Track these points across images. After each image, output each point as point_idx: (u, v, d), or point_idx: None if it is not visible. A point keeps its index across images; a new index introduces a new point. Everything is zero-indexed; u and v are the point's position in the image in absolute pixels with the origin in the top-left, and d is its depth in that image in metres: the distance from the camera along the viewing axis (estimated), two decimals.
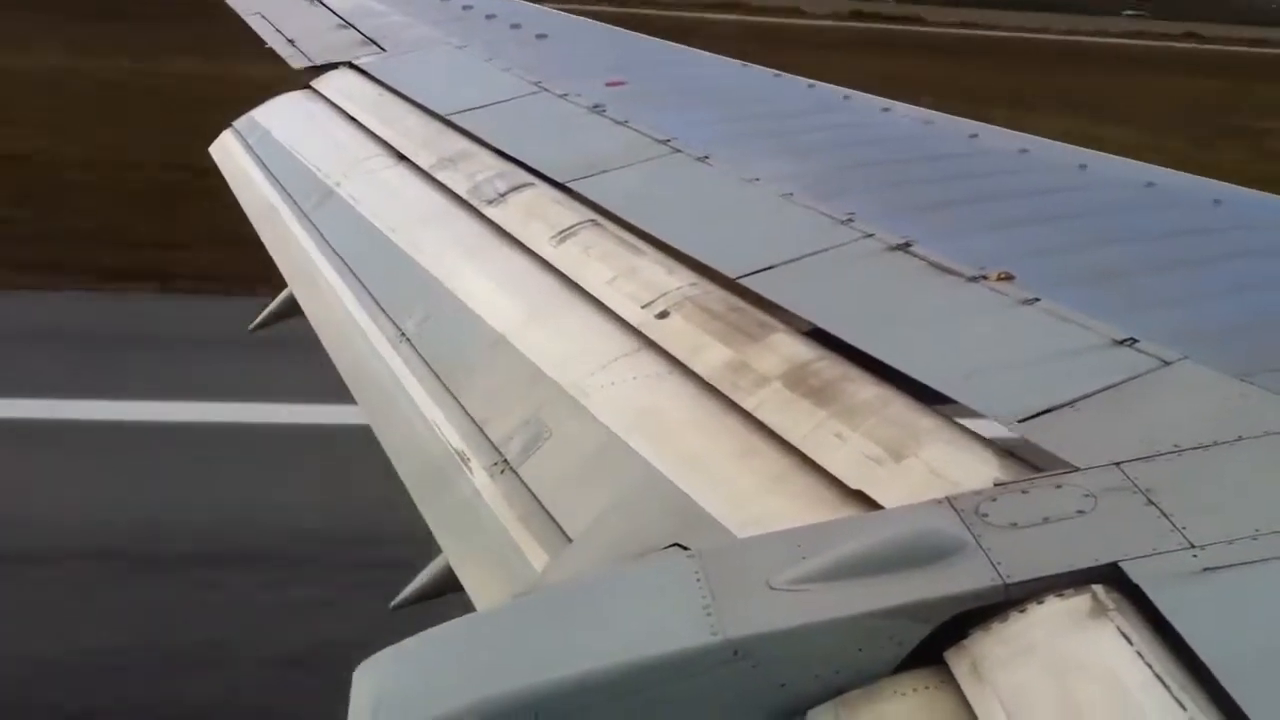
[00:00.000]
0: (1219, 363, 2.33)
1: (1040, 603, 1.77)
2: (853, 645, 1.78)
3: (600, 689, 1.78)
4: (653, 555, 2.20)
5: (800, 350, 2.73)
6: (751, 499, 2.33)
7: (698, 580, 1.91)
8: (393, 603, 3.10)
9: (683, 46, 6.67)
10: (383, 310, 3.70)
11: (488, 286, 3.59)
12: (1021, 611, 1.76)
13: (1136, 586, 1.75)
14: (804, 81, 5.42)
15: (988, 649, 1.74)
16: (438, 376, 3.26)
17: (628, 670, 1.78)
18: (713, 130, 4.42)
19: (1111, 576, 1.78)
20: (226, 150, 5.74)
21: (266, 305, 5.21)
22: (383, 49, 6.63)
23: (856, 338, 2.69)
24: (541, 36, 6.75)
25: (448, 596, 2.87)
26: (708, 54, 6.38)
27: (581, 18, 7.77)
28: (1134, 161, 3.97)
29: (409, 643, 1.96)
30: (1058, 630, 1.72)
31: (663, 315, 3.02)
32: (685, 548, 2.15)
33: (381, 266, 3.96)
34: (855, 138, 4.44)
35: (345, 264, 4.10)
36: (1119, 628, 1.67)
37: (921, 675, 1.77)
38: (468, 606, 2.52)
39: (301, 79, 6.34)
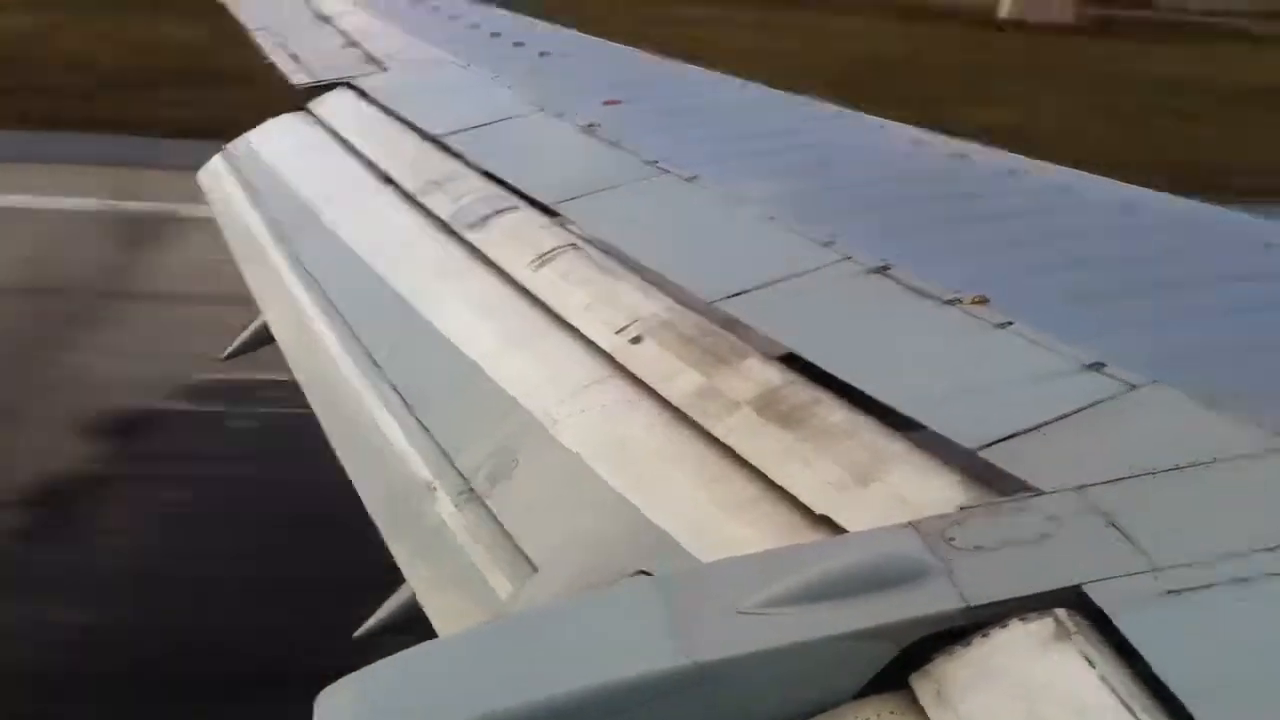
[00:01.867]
0: (1188, 386, 2.32)
1: (1004, 626, 1.76)
2: (819, 669, 1.77)
3: (566, 714, 1.76)
4: (617, 582, 2.19)
5: (771, 375, 2.73)
6: (719, 525, 2.32)
7: (662, 605, 1.90)
8: (356, 632, 3.10)
9: (684, 64, 6.67)
10: (355, 337, 3.70)
11: (461, 313, 3.58)
12: (985, 635, 1.76)
13: (1099, 610, 1.74)
14: (800, 99, 5.42)
15: (952, 673, 1.73)
16: (407, 404, 3.25)
17: (594, 695, 1.77)
18: (703, 150, 4.42)
19: (1074, 600, 1.77)
20: (214, 175, 5.73)
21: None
22: (385, 68, 6.66)
23: (828, 362, 2.69)
24: (544, 54, 6.77)
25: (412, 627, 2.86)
26: (707, 72, 6.39)
27: (584, 35, 7.78)
28: (1115, 183, 3.95)
29: (374, 669, 1.94)
30: (1021, 654, 1.71)
31: (636, 340, 3.02)
32: (649, 574, 2.14)
33: (356, 292, 3.96)
34: (845, 157, 4.43)
35: (321, 290, 4.09)
36: (1082, 651, 1.66)
37: (887, 699, 1.76)
38: (432, 636, 2.51)
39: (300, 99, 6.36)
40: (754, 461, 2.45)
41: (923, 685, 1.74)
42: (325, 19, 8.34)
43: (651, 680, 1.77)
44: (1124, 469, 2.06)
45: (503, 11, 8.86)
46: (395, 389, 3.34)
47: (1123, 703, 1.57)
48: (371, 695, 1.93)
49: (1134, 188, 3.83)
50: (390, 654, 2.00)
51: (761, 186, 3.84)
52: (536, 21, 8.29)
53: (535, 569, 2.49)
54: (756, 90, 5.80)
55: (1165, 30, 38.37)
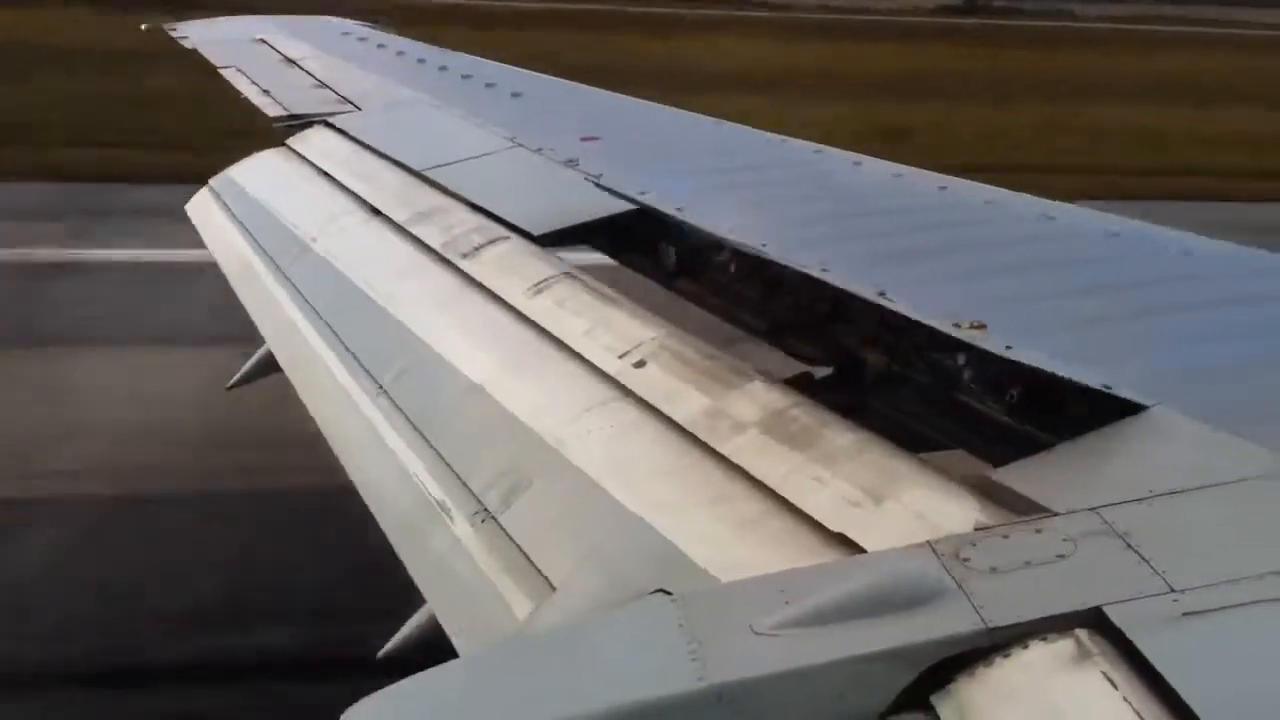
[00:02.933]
0: (1191, 409, 2.35)
1: (1025, 647, 1.77)
2: (838, 690, 1.78)
3: None
4: (636, 601, 2.19)
5: (776, 397, 2.75)
6: (733, 544, 2.33)
7: (681, 626, 1.91)
8: (380, 653, 3.08)
9: (656, 104, 6.74)
10: (360, 364, 3.70)
11: (464, 338, 3.59)
12: (1006, 656, 1.77)
13: (1119, 631, 1.75)
14: (776, 137, 5.48)
15: (974, 694, 1.74)
16: (416, 428, 3.25)
17: (613, 716, 1.78)
18: (686, 184, 4.46)
19: (1094, 621, 1.79)
20: (203, 208, 5.75)
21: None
22: (359, 108, 6.69)
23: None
24: (516, 95, 6.82)
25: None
26: (680, 111, 6.45)
27: (556, 78, 7.85)
28: (1099, 213, 4.03)
29: (396, 687, 1.95)
30: (1043, 675, 1.73)
31: (640, 364, 3.04)
32: (669, 593, 2.14)
33: (358, 321, 3.96)
34: (827, 191, 4.49)
35: (322, 319, 4.10)
36: (1104, 672, 1.68)
37: None
38: (453, 656, 2.51)
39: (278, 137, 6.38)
40: (767, 481, 2.46)
41: (945, 706, 1.75)
42: (291, 61, 8.38)
43: (670, 701, 1.78)
44: (1137, 490, 2.08)
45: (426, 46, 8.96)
46: (403, 413, 3.33)
47: None
48: (397, 712, 1.94)
49: (1117, 217, 3.91)
50: (412, 673, 2.00)
51: (748, 218, 3.87)
52: (505, 65, 8.35)
53: (553, 587, 2.49)
54: (731, 127, 5.86)
55: None
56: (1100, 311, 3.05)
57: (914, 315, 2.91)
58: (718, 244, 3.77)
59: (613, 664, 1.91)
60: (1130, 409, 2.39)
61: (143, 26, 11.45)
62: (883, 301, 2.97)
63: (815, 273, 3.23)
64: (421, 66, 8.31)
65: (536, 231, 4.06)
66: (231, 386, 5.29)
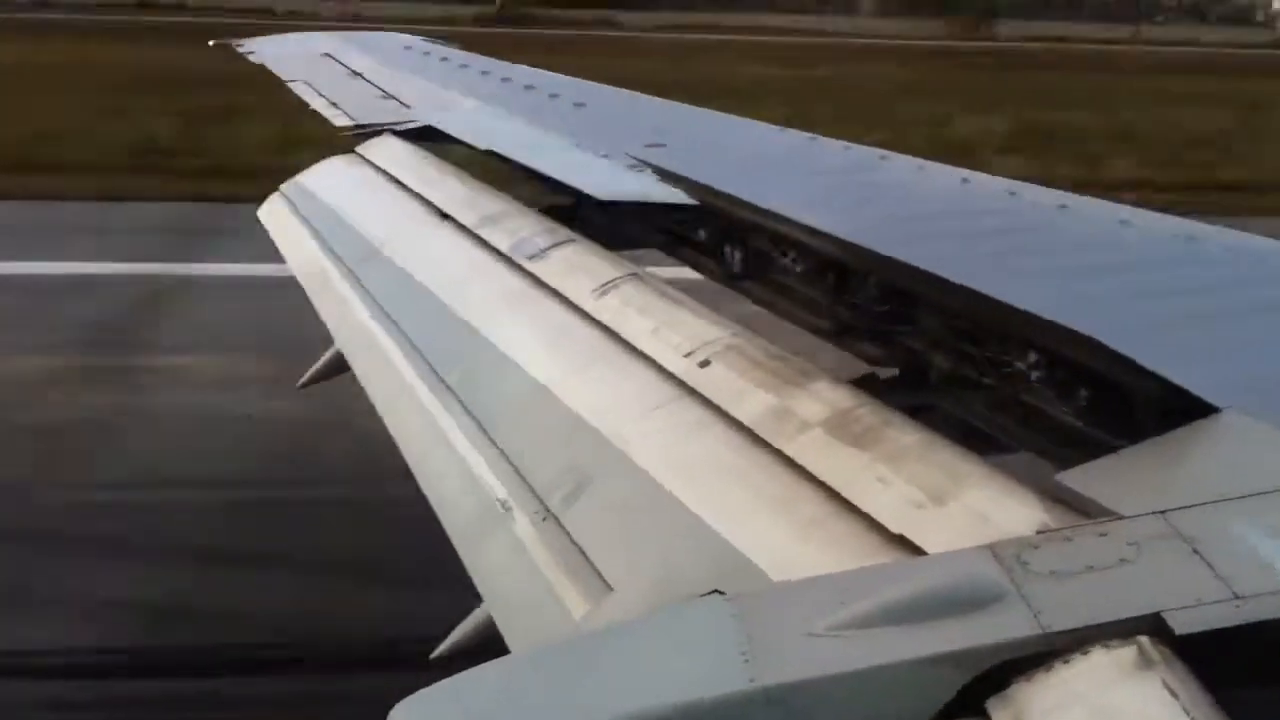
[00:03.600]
0: (1265, 414, 2.30)
1: (1085, 653, 1.74)
2: (891, 693, 1.76)
3: None
4: (689, 601, 2.18)
5: (842, 397, 2.73)
6: (792, 544, 2.32)
7: (735, 626, 1.89)
8: (433, 654, 3.10)
9: (720, 113, 6.75)
10: (427, 363, 3.74)
11: (529, 338, 3.61)
12: (1065, 662, 1.74)
13: (1181, 638, 1.72)
14: (840, 144, 5.48)
15: (1032, 699, 1.71)
16: (481, 427, 3.28)
17: (660, 716, 1.76)
18: (753, 184, 4.45)
19: (1155, 627, 1.75)
20: (274, 213, 5.88)
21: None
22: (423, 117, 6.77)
23: None
24: (580, 105, 6.87)
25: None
26: (746, 119, 6.46)
27: (618, 88, 7.89)
28: (1172, 217, 3.97)
29: (445, 684, 1.94)
30: (1103, 682, 1.69)
31: (704, 364, 3.03)
32: (723, 594, 2.13)
33: (425, 321, 4.01)
34: (890, 196, 4.47)
35: (390, 319, 4.16)
36: (1164, 680, 1.64)
37: None
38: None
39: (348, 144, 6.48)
40: (828, 481, 2.44)
41: (1001, 712, 1.72)
42: (357, 74, 8.51)
43: (723, 702, 1.76)
44: (1204, 495, 2.03)
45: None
46: (468, 412, 3.36)
47: None
48: (444, 710, 1.93)
49: (1189, 221, 3.86)
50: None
51: (811, 219, 3.85)
52: (569, 78, 8.41)
53: (610, 588, 2.49)
54: (795, 134, 5.86)
55: None
56: (1174, 314, 3.00)
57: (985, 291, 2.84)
58: (784, 239, 3.75)
59: (662, 664, 1.90)
60: (1201, 411, 2.34)
61: (210, 43, 11.67)
62: (949, 276, 2.93)
63: (883, 251, 3.19)
64: (485, 78, 8.41)
65: (603, 196, 4.06)
66: (303, 385, 5.39)
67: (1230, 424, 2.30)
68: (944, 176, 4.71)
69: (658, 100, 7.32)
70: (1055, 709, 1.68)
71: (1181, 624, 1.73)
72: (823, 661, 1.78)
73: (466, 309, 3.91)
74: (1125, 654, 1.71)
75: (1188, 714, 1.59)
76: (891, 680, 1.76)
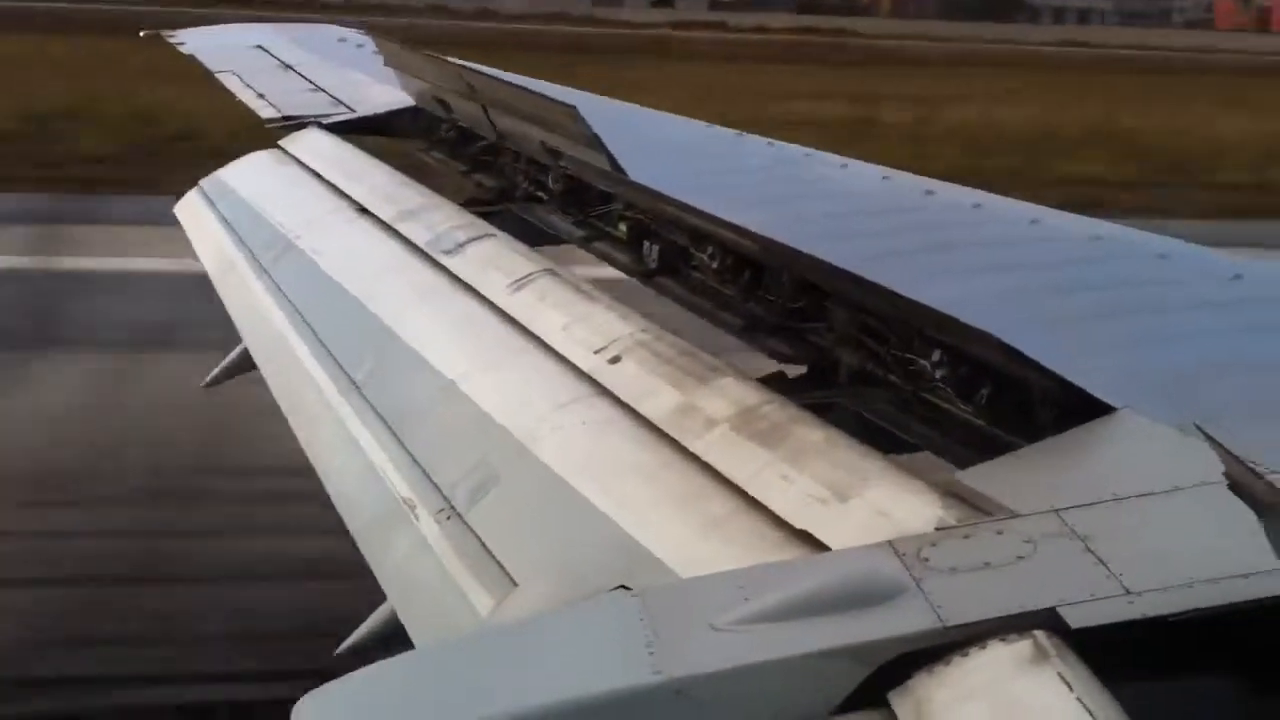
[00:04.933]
0: (1158, 412, 2.34)
1: (983, 647, 1.77)
2: (794, 685, 1.78)
3: None
4: (596, 596, 2.19)
5: (748, 395, 2.74)
6: (698, 541, 2.33)
7: (640, 620, 1.90)
8: (337, 650, 3.07)
9: (648, 109, 6.74)
10: (335, 360, 3.71)
11: (440, 334, 3.59)
12: (964, 655, 1.76)
13: (1074, 632, 1.75)
14: (764, 141, 5.49)
15: (932, 692, 1.74)
16: (387, 424, 3.25)
17: (570, 708, 1.77)
18: (671, 182, 4.43)
19: (1050, 621, 1.78)
20: (191, 209, 5.79)
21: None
22: (353, 110, 6.71)
23: None
24: None
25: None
26: (672, 115, 6.46)
27: (551, 84, 7.84)
28: (1082, 217, 4.03)
29: (351, 677, 1.94)
30: (1001, 674, 1.72)
31: (615, 360, 3.03)
32: (629, 589, 2.14)
33: (335, 317, 3.97)
34: (810, 192, 4.49)
35: (300, 315, 4.11)
36: (1059, 673, 1.67)
37: (865, 716, 1.77)
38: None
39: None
40: (733, 478, 2.46)
41: (902, 703, 1.75)
42: (288, 66, 8.40)
43: (628, 695, 1.77)
44: (1099, 493, 2.08)
45: None
46: (375, 409, 3.34)
47: None
48: (348, 704, 1.92)
49: (1096, 220, 3.91)
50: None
51: (751, 216, 3.80)
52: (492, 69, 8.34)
53: (515, 584, 2.49)
54: (724, 132, 5.86)
55: None
56: (1076, 312, 3.04)
57: (892, 288, 2.85)
58: (702, 234, 3.75)
59: (569, 657, 1.91)
60: (1099, 410, 2.38)
61: (141, 33, 11.48)
62: (860, 273, 2.94)
63: (797, 245, 3.20)
64: None
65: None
66: (208, 384, 5.29)
67: (1125, 423, 2.34)
68: (865, 174, 4.74)
69: (595, 97, 7.29)
70: (955, 700, 1.71)
71: (1076, 618, 1.77)
72: (727, 654, 1.79)
73: (378, 304, 3.88)
74: (1022, 647, 1.74)
75: (1082, 704, 1.62)
76: (794, 672, 1.78)
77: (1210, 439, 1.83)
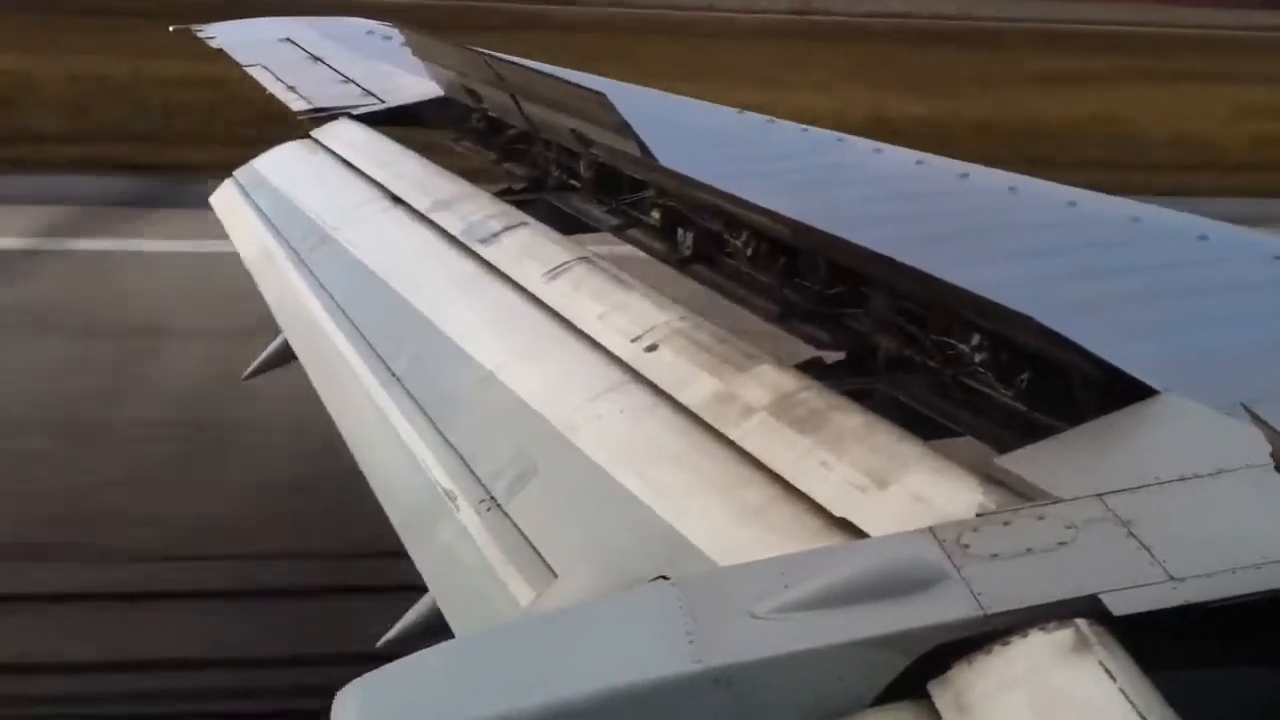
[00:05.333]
0: (1202, 395, 2.32)
1: (1024, 636, 1.76)
2: (834, 675, 1.77)
3: (582, 715, 1.77)
4: (635, 586, 2.19)
5: (785, 382, 2.73)
6: (737, 529, 2.33)
7: (680, 609, 1.90)
8: (379, 642, 3.09)
9: (678, 95, 6.71)
10: (374, 351, 3.72)
11: (477, 324, 3.60)
12: (1005, 644, 1.76)
13: (1117, 619, 1.74)
14: (797, 126, 5.47)
15: (971, 681, 1.73)
16: (427, 415, 3.26)
17: (610, 697, 1.77)
18: (705, 169, 4.42)
19: (1091, 609, 1.77)
20: (226, 199, 5.80)
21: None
22: (383, 101, 6.71)
23: None
24: None
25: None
26: (703, 102, 6.43)
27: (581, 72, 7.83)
28: (1119, 199, 3.99)
29: (393, 667, 1.95)
30: (1041, 664, 1.71)
31: (651, 349, 3.03)
32: (669, 579, 2.13)
33: (374, 308, 3.98)
34: (844, 178, 4.47)
35: (338, 306, 4.12)
36: (1101, 662, 1.67)
37: (904, 707, 1.77)
38: None
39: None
40: (773, 465, 2.45)
41: (941, 693, 1.74)
42: (317, 59, 8.42)
43: (668, 684, 1.77)
44: (1142, 477, 2.06)
45: None
46: (414, 400, 3.34)
47: (1141, 715, 1.58)
48: (391, 693, 1.93)
49: (1136, 202, 3.87)
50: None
51: (786, 203, 3.79)
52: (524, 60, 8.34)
53: (555, 575, 2.49)
54: (755, 117, 5.83)
55: None
56: (1118, 295, 3.02)
57: (930, 272, 2.84)
58: (737, 221, 3.74)
59: (608, 647, 1.91)
60: (1140, 393, 2.36)
61: (170, 29, 11.51)
62: (897, 257, 2.93)
63: (832, 230, 3.19)
64: None
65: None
66: (248, 376, 5.32)
67: (1168, 407, 2.32)
68: (898, 158, 4.71)
69: (623, 85, 7.28)
70: (995, 691, 1.69)
71: (1118, 605, 1.76)
72: (766, 643, 1.79)
73: (415, 295, 3.88)
74: (1063, 636, 1.73)
75: (1124, 694, 1.61)
76: (834, 661, 1.77)
77: (1257, 418, 1.82)
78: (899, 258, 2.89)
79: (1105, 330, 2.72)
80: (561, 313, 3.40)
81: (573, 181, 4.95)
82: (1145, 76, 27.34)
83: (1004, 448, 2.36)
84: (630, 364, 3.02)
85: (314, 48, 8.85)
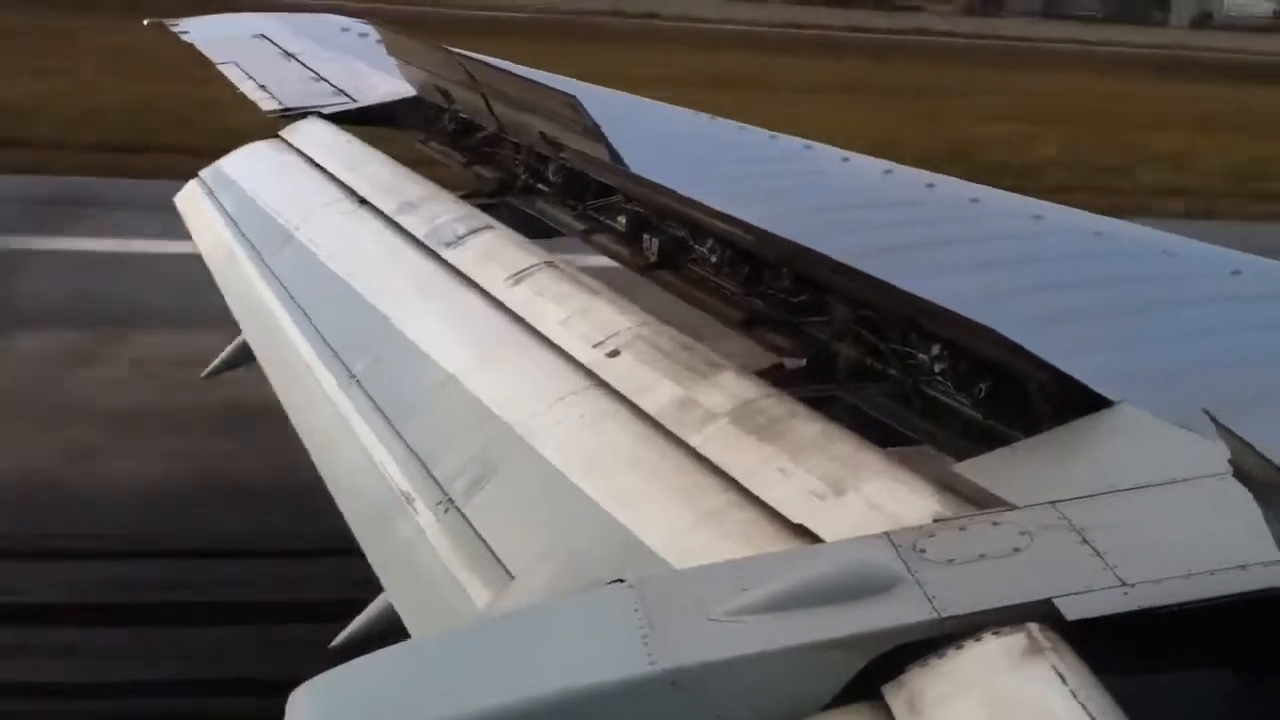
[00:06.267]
0: (1159, 406, 2.35)
1: (977, 640, 1.77)
2: (790, 677, 1.78)
3: (538, 716, 1.77)
4: (591, 588, 2.19)
5: (746, 388, 2.74)
6: (694, 534, 2.33)
7: (637, 611, 1.90)
8: (332, 643, 3.07)
9: (650, 100, 6.72)
10: (333, 352, 3.71)
11: (439, 327, 3.59)
12: (959, 648, 1.77)
13: (1070, 624, 1.76)
14: (766, 133, 5.48)
15: (925, 685, 1.74)
16: (385, 417, 3.25)
17: (566, 698, 1.77)
18: (672, 175, 4.42)
19: (1045, 613, 1.79)
20: (191, 199, 5.77)
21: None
22: (354, 100, 6.69)
23: None
24: None
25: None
26: (675, 107, 6.44)
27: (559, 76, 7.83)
28: (1084, 213, 4.03)
29: (347, 667, 1.94)
30: (994, 668, 1.72)
31: (613, 354, 3.04)
32: (626, 581, 2.14)
33: (335, 309, 3.97)
34: (810, 186, 4.48)
35: (299, 307, 4.11)
36: (1053, 666, 1.68)
37: (859, 710, 1.77)
38: None
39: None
40: (731, 471, 2.46)
41: (895, 696, 1.75)
42: (290, 56, 8.38)
43: (623, 685, 1.77)
44: (1096, 486, 2.08)
45: None
46: (374, 402, 3.34)
47: (1092, 718, 1.59)
48: (345, 694, 1.92)
49: (1100, 217, 3.91)
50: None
51: (751, 210, 3.80)
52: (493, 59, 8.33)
53: (512, 577, 2.49)
54: (726, 124, 5.85)
55: None
56: (1076, 308, 3.04)
57: (892, 281, 2.85)
58: (702, 228, 3.75)
59: (564, 648, 1.91)
60: (1097, 404, 2.38)
61: (144, 22, 11.44)
62: (860, 267, 2.94)
63: (796, 239, 3.20)
64: None
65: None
66: (207, 375, 5.29)
67: (1123, 416, 2.34)
68: (865, 167, 4.73)
69: (595, 88, 7.27)
70: (948, 694, 1.71)
71: (1071, 610, 1.78)
72: (722, 645, 1.80)
73: (377, 297, 3.87)
74: (1016, 639, 1.74)
75: (1075, 697, 1.62)
76: (790, 663, 1.78)
77: (1217, 423, 1.84)
78: (861, 267, 2.91)
79: (1064, 341, 2.74)
80: (524, 317, 3.40)
81: (540, 185, 4.95)
82: None
83: (962, 456, 2.39)
84: (592, 369, 3.02)
85: (287, 44, 8.80)
